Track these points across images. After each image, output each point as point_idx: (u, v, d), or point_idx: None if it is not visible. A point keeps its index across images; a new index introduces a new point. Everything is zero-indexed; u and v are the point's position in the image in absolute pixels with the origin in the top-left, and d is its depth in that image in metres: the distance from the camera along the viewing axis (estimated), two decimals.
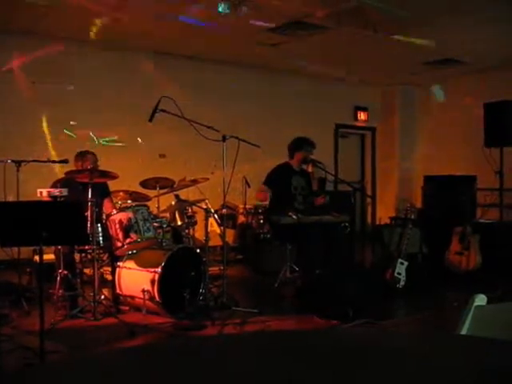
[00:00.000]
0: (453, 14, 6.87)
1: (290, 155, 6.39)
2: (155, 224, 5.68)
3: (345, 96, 10.97)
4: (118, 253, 5.47)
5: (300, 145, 6.34)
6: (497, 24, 7.21)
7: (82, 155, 5.76)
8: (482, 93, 9.11)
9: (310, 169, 6.44)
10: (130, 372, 1.40)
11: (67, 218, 4.08)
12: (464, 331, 1.82)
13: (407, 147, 11.46)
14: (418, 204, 8.90)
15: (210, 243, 6.18)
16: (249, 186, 8.33)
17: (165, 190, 6.36)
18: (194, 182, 6.29)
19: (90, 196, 5.04)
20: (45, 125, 7.75)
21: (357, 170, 11.86)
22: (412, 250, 7.09)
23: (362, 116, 11.46)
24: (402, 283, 6.35)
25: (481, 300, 1.89)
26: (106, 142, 7.84)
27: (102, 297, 5.39)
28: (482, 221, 8.11)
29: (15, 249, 5.80)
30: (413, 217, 6.94)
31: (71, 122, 7.83)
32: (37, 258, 4.28)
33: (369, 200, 11.02)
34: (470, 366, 1.39)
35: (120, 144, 8.11)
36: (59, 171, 5.59)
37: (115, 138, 8.00)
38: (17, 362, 3.89)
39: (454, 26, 7.28)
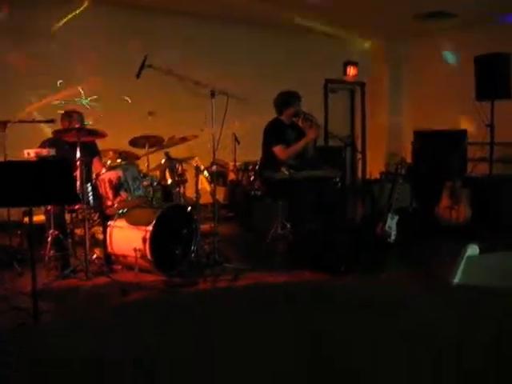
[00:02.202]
0: None
1: (279, 111, 6.30)
2: (145, 182, 5.65)
3: (334, 51, 10.82)
4: (108, 212, 5.46)
5: (288, 100, 6.25)
6: None
7: (68, 115, 5.68)
8: (471, 46, 9.01)
9: (300, 122, 6.36)
10: (123, 329, 1.39)
11: (56, 177, 4.03)
12: (457, 280, 1.82)
13: (397, 102, 11.39)
14: (409, 159, 8.89)
15: (201, 201, 6.15)
16: (238, 143, 8.28)
17: (154, 149, 6.30)
18: (184, 139, 6.23)
19: (78, 155, 4.98)
20: (30, 85, 7.61)
21: (347, 125, 11.80)
22: (402, 205, 7.12)
23: (351, 71, 11.33)
24: (393, 237, 6.39)
25: (473, 250, 1.90)
26: (88, 103, 7.71)
27: (94, 256, 5.40)
28: (472, 175, 8.13)
29: (4, 211, 5.78)
30: (403, 172, 6.94)
31: (58, 82, 7.69)
32: (27, 219, 4.25)
33: (359, 155, 11.00)
34: (463, 315, 1.39)
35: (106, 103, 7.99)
36: (47, 132, 5.51)
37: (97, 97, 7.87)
38: (10, 323, 3.90)
39: None
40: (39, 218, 5.57)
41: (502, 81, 7.64)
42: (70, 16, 7.70)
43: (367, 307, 1.49)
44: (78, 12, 7.71)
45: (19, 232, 6.09)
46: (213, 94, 5.27)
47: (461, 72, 9.25)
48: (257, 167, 6.98)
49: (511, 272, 1.79)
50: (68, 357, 1.21)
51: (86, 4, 7.75)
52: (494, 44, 8.17)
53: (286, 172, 5.84)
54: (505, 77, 7.64)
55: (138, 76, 5.16)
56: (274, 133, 6.18)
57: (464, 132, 8.66)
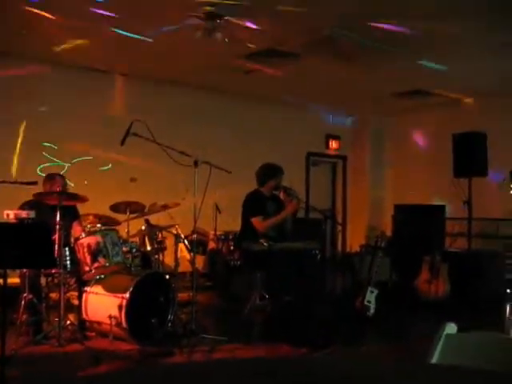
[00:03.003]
0: (425, 47, 7.01)
1: (261, 182, 6.37)
2: (124, 249, 5.61)
3: (317, 124, 11.05)
4: (85, 277, 5.39)
5: (273, 172, 6.34)
6: (467, 57, 7.37)
7: (50, 177, 5.69)
8: (450, 123, 9.28)
9: (282, 196, 6.43)
10: None
11: (34, 240, 3.99)
12: (435, 359, 1.81)
13: (378, 176, 11.57)
14: (389, 232, 8.97)
15: (180, 269, 6.11)
16: (219, 212, 8.31)
17: (135, 215, 6.29)
18: (165, 207, 6.24)
19: (58, 219, 4.96)
20: (17, 145, 7.64)
21: (328, 198, 11.91)
22: (382, 278, 7.12)
23: (333, 144, 11.55)
24: (372, 311, 6.36)
25: (451, 328, 1.90)
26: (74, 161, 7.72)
27: (68, 322, 5.27)
28: (450, 250, 8.19)
29: None
30: (383, 245, 6.98)
31: (44, 144, 7.74)
32: (1, 281, 4.17)
33: (339, 228, 11.06)
34: None
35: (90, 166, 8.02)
36: (27, 193, 5.49)
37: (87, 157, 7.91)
38: None
39: (423, 58, 7.42)
40: (13, 280, 5.47)
41: (478, 159, 7.85)
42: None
43: (346, 382, 1.47)
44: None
45: None
46: (196, 164, 5.33)
47: (440, 149, 9.48)
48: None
49: (488, 352, 1.79)
50: None
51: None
52: (472, 122, 8.44)
53: (265, 244, 5.85)
54: (482, 155, 7.86)
55: (122, 143, 5.21)
56: (253, 204, 6.24)
57: (443, 207, 8.79)
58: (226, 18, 6.00)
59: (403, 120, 11.10)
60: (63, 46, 7.10)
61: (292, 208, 6.17)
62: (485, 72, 7.98)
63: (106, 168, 8.08)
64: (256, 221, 6.12)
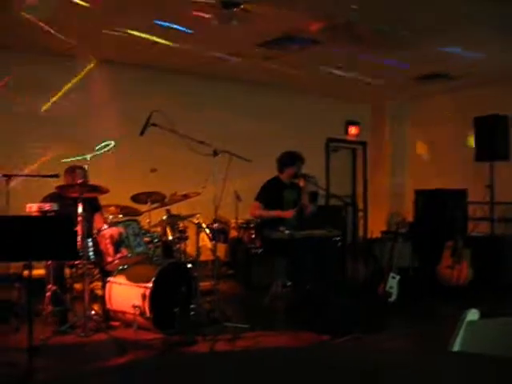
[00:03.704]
0: (442, 32, 6.92)
1: (280, 170, 6.38)
2: (146, 239, 5.67)
3: (336, 110, 10.99)
4: (108, 268, 5.45)
5: (292, 160, 6.32)
6: (484, 41, 7.27)
7: (71, 170, 5.75)
8: (471, 107, 9.17)
9: (302, 183, 6.42)
10: None
11: (57, 232, 4.05)
12: (457, 346, 1.81)
13: (398, 161, 11.49)
14: (410, 218, 8.91)
15: (202, 258, 6.14)
16: (240, 201, 8.32)
17: (156, 205, 6.34)
18: (186, 196, 6.27)
19: (80, 211, 5.01)
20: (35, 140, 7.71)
21: (348, 185, 11.87)
22: (403, 264, 7.09)
23: (353, 130, 11.48)
24: (394, 297, 6.35)
25: (473, 315, 1.89)
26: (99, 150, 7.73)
27: (93, 312, 5.35)
28: (473, 234, 8.12)
29: (4, 263, 5.75)
30: (404, 231, 6.95)
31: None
32: (26, 272, 4.25)
33: (360, 214, 11.02)
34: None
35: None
36: (50, 186, 5.55)
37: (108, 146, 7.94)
38: (2, 379, 3.84)
39: (442, 42, 7.32)
40: (39, 271, 5.56)
41: (501, 142, 7.75)
42: (77, 78, 7.86)
43: (363, 373, 1.48)
44: (84, 72, 7.87)
45: (18, 285, 6.05)
46: (215, 153, 5.34)
47: (461, 133, 9.38)
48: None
49: (510, 339, 1.78)
50: None
51: (92, 64, 7.92)
52: (494, 105, 8.32)
53: (286, 231, 5.86)
54: (504, 138, 7.76)
55: (142, 133, 5.24)
56: (263, 190, 6.29)
57: (464, 191, 8.70)
58: (242, 6, 5.99)
59: (423, 104, 10.98)
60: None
61: (288, 215, 6.14)
62: (506, 55, 7.86)
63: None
64: (254, 205, 6.20)
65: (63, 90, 7.83)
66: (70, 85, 7.88)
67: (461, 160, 9.18)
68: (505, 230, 8.58)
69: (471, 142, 8.16)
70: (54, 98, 7.78)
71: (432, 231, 8.04)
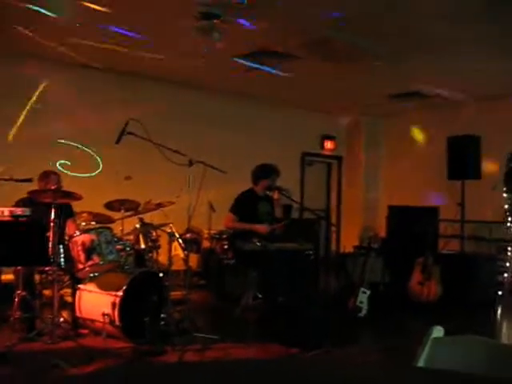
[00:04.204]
0: (420, 50, 7.03)
1: (255, 182, 6.41)
2: (118, 247, 5.64)
3: (312, 124, 11.08)
4: (79, 275, 5.41)
5: (266, 173, 6.36)
6: (461, 60, 7.40)
7: (45, 175, 5.70)
8: (445, 126, 9.33)
9: (275, 196, 6.46)
10: None
11: (28, 238, 4.02)
12: (422, 361, 1.84)
13: (372, 177, 11.61)
14: (382, 233, 9.01)
15: (174, 267, 6.12)
16: (214, 211, 8.33)
17: (129, 213, 6.31)
18: (159, 205, 6.26)
19: (52, 216, 4.97)
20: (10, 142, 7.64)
21: (322, 198, 11.94)
22: (374, 279, 7.16)
23: (329, 145, 11.57)
24: (364, 312, 6.40)
25: (438, 332, 1.93)
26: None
27: (61, 319, 5.29)
28: (443, 252, 8.23)
29: None
30: (376, 246, 7.03)
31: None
32: None
33: (333, 228, 11.09)
34: None
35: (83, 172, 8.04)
36: (22, 190, 5.50)
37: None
38: None
39: (419, 60, 7.44)
40: (8, 276, 5.49)
41: (473, 162, 7.89)
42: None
43: None
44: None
45: None
46: (191, 163, 5.35)
47: (434, 151, 9.52)
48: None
49: (474, 356, 1.82)
50: None
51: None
52: (467, 124, 8.48)
53: (258, 243, 5.88)
54: (476, 158, 7.91)
55: (117, 141, 5.23)
56: (237, 202, 6.32)
57: (436, 209, 8.83)
58: (222, 18, 6.03)
59: (398, 121, 11.14)
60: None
61: (263, 230, 6.17)
62: (481, 74, 8.02)
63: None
64: (229, 217, 6.24)
65: (34, 98, 7.80)
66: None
67: (433, 178, 9.31)
68: (475, 248, 8.72)
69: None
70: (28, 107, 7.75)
71: (404, 247, 8.13)
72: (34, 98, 7.81)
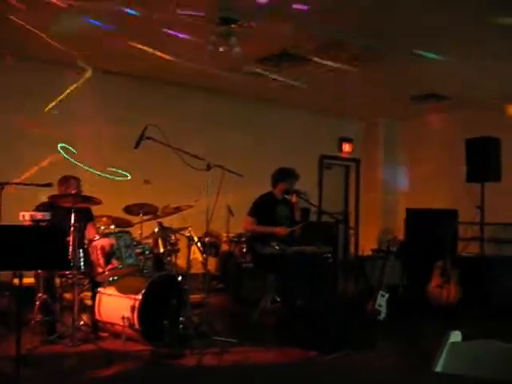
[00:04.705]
0: (437, 50, 7.00)
1: (273, 185, 6.44)
2: (137, 250, 5.68)
3: (330, 127, 11.07)
4: (99, 279, 5.46)
5: (284, 176, 6.39)
6: (480, 61, 7.36)
7: (65, 180, 5.77)
8: (463, 128, 9.27)
9: (294, 199, 6.47)
10: None
11: (49, 242, 4.06)
12: (439, 367, 1.84)
13: (390, 180, 11.56)
14: (401, 236, 8.96)
15: (192, 271, 6.16)
16: (232, 215, 8.35)
17: (148, 217, 6.36)
18: (178, 209, 6.30)
19: (72, 221, 5.03)
20: (30, 148, 7.72)
21: (340, 201, 11.92)
22: (393, 282, 7.12)
23: (346, 147, 11.56)
24: (383, 315, 6.37)
25: (456, 336, 1.92)
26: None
27: (81, 322, 5.35)
28: (463, 254, 8.16)
29: None
30: (395, 249, 6.99)
31: (59, 145, 7.84)
32: (16, 281, 4.27)
33: (352, 231, 11.06)
34: None
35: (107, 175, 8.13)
36: (43, 195, 5.57)
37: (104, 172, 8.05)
38: None
39: (437, 61, 7.41)
40: (29, 280, 5.55)
41: (492, 164, 7.82)
42: (72, 87, 7.91)
43: None
44: (81, 82, 7.93)
45: (7, 293, 6.04)
46: (209, 167, 5.37)
47: (452, 153, 9.46)
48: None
49: (492, 361, 1.81)
50: None
51: (88, 73, 7.97)
52: (485, 126, 8.41)
53: (277, 247, 5.90)
54: (495, 160, 7.83)
55: (136, 146, 5.27)
56: (255, 205, 6.34)
57: (455, 212, 8.75)
58: (239, 22, 6.06)
59: (417, 124, 11.09)
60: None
61: (281, 232, 6.18)
62: (500, 77, 7.96)
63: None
64: (247, 220, 6.26)
65: (59, 98, 7.88)
66: (67, 91, 7.93)
67: (452, 180, 9.25)
68: (494, 251, 8.65)
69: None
70: (51, 105, 7.84)
71: (422, 250, 8.07)
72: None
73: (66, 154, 7.89)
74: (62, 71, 7.83)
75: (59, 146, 7.87)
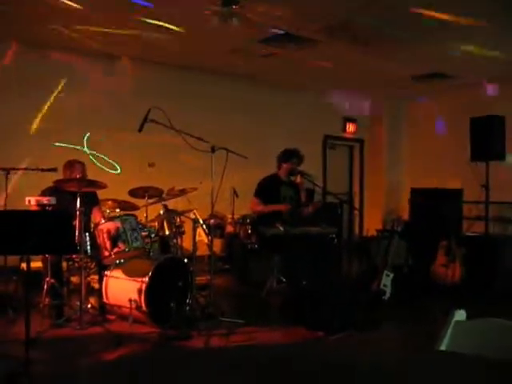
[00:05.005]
0: (441, 30, 6.95)
1: (278, 166, 6.47)
2: (143, 233, 5.71)
3: (334, 107, 11.03)
4: (105, 262, 5.49)
5: (288, 157, 6.40)
6: (484, 40, 7.31)
7: (70, 164, 5.78)
8: (467, 107, 9.23)
9: (298, 180, 6.49)
10: None
11: (55, 227, 4.08)
12: (443, 346, 1.86)
13: (395, 160, 11.54)
14: (405, 216, 8.97)
15: (198, 253, 6.19)
16: (237, 196, 8.37)
17: (153, 200, 6.38)
18: (183, 191, 6.32)
19: (78, 205, 5.06)
20: (35, 132, 7.74)
21: (345, 182, 11.91)
22: (398, 262, 7.15)
23: (350, 128, 11.52)
24: (388, 295, 6.40)
25: (460, 315, 1.94)
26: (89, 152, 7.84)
27: (89, 305, 5.40)
28: (468, 234, 8.18)
29: (1, 256, 5.79)
30: (399, 229, 7.00)
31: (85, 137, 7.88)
32: (24, 265, 4.30)
33: (356, 212, 11.07)
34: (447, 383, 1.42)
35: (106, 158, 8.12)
36: (48, 180, 5.59)
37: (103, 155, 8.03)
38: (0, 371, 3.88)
39: (441, 41, 7.36)
40: (36, 264, 5.59)
41: (496, 142, 7.78)
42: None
43: (351, 371, 1.53)
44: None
45: (15, 278, 6.08)
46: (213, 150, 5.38)
47: (457, 132, 9.42)
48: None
49: (496, 340, 1.83)
50: None
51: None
52: (490, 105, 8.37)
53: (281, 228, 5.92)
54: (499, 139, 7.80)
55: (140, 129, 5.27)
56: (260, 186, 6.40)
57: (460, 191, 8.75)
58: (242, 3, 6.02)
59: (420, 103, 11.04)
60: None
61: (285, 208, 6.26)
62: (503, 56, 7.91)
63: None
64: (254, 201, 6.37)
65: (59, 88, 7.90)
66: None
67: (457, 159, 9.22)
68: (499, 230, 8.65)
69: None
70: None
71: (427, 230, 8.08)
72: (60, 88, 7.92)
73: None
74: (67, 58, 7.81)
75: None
